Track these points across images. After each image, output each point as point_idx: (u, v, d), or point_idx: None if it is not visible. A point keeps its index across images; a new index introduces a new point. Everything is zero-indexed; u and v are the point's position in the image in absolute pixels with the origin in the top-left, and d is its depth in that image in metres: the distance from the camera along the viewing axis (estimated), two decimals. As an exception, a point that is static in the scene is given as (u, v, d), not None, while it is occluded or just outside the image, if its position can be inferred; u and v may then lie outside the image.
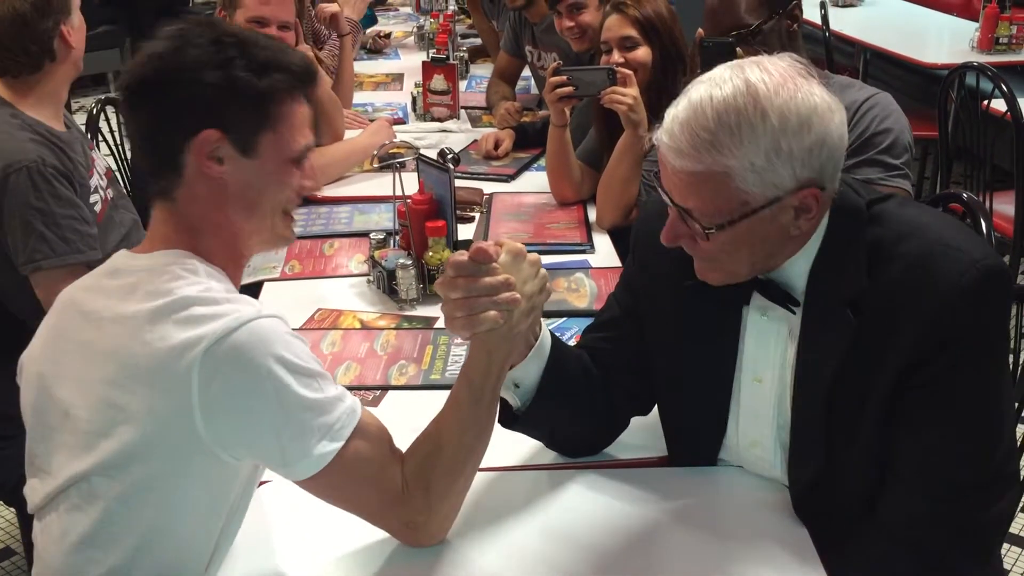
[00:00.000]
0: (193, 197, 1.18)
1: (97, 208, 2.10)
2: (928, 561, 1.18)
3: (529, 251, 1.20)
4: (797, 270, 1.23)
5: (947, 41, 4.44)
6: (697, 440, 1.39)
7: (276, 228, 1.24)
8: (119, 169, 2.97)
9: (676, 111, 1.17)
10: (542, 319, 1.32)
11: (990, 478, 1.19)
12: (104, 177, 2.20)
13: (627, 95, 2.23)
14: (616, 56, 2.35)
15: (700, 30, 1.92)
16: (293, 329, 1.87)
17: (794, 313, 1.25)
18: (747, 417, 1.33)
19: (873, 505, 1.22)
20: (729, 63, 1.19)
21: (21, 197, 1.91)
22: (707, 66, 1.87)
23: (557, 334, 1.64)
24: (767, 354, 1.29)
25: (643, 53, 2.34)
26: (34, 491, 1.20)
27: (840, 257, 1.21)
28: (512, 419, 1.35)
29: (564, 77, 2.31)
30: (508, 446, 1.47)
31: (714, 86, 1.15)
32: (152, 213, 1.23)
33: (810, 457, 1.26)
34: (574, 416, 1.40)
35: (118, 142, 3.02)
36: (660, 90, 2.28)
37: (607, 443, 1.48)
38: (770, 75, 1.14)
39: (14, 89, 2.01)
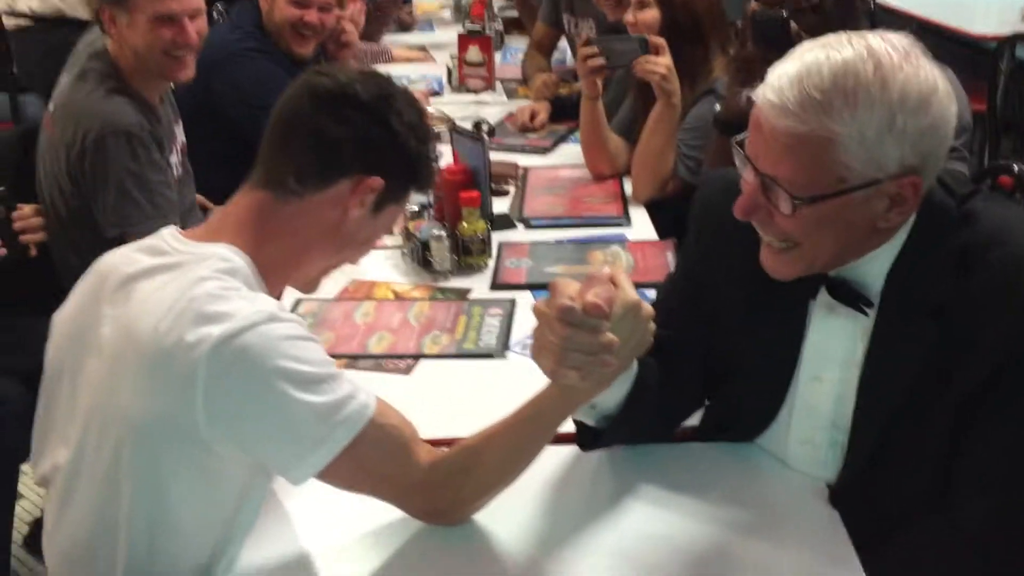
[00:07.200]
0: (308, 212, 1.17)
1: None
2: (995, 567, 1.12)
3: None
4: (874, 269, 1.15)
5: (996, 11, 4.31)
6: (740, 428, 1.33)
7: (324, 275, 1.28)
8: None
9: (785, 68, 1.07)
10: None
11: None
12: (180, 153, 2.22)
13: (660, 64, 2.18)
14: (630, 15, 2.32)
15: (753, 2, 1.86)
16: (328, 300, 1.90)
17: (866, 315, 1.16)
18: (801, 414, 1.27)
19: (919, 508, 1.17)
20: (849, 31, 1.10)
21: (119, 160, 1.94)
22: (758, 39, 1.81)
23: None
24: (831, 353, 1.22)
25: (651, 16, 2.29)
26: (36, 463, 1.20)
27: (925, 259, 1.12)
28: (592, 442, 1.28)
29: (595, 48, 2.25)
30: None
31: (831, 49, 1.06)
32: (238, 197, 1.19)
33: (865, 460, 1.20)
34: (647, 427, 1.32)
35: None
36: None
37: (667, 437, 1.40)
38: (894, 46, 1.05)
39: (123, 56, 2.02)
